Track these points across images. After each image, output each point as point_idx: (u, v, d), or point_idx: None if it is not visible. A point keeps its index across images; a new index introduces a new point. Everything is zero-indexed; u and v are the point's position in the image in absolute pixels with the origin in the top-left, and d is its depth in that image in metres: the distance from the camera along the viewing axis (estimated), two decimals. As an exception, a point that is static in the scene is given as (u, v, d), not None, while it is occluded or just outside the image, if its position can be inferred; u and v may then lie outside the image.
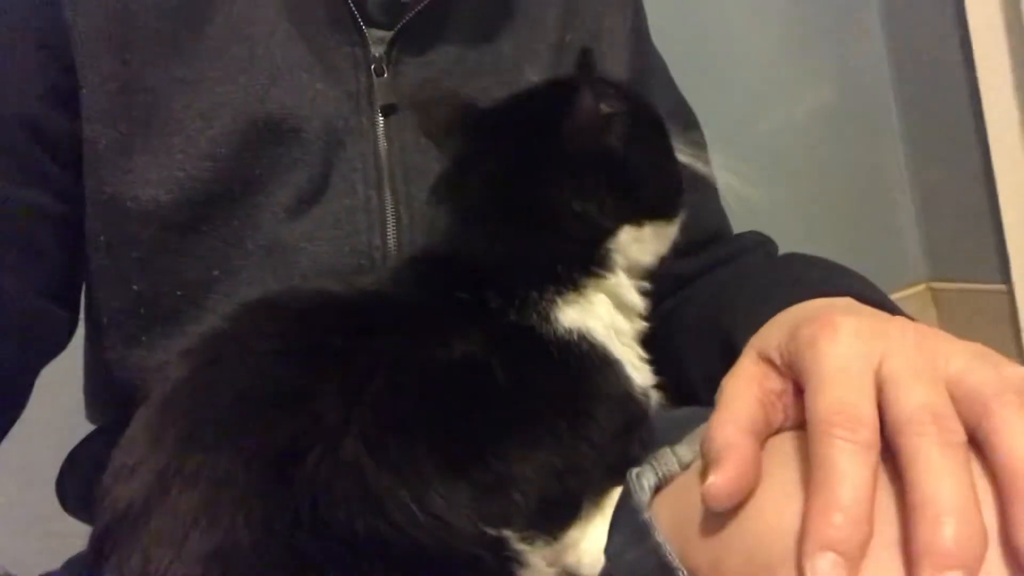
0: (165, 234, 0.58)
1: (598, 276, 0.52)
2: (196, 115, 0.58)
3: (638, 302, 0.54)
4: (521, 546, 0.44)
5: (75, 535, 0.65)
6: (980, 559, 0.27)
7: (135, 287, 0.59)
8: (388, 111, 0.63)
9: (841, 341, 0.34)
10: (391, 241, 0.62)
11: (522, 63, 0.67)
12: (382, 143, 0.62)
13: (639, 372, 0.52)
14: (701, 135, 0.77)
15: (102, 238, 0.59)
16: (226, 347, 0.45)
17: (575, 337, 0.48)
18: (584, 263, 0.51)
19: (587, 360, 0.48)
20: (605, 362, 0.49)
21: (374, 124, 0.62)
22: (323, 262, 0.60)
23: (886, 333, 0.34)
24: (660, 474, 0.44)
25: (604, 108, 0.51)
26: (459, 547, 0.41)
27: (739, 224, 0.75)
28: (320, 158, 0.60)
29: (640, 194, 0.52)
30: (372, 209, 0.62)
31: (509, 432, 0.45)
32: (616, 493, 0.48)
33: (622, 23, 0.73)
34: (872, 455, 0.30)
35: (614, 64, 0.71)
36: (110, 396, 0.66)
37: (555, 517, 0.47)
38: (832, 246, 1.59)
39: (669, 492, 0.41)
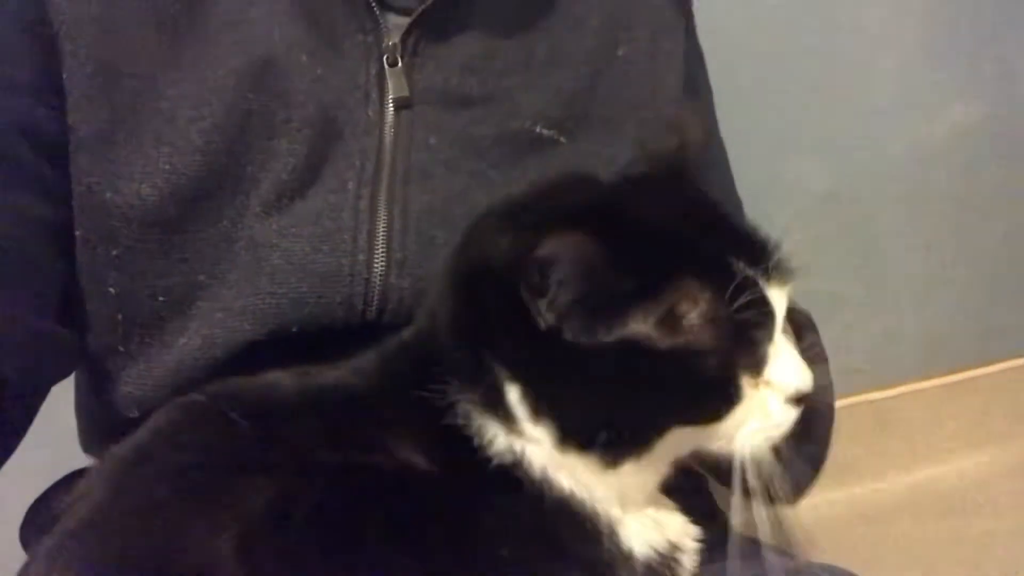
0: (146, 232, 0.56)
1: None
2: (186, 104, 0.56)
3: None
4: None
5: None
6: None
7: (111, 289, 0.57)
8: (401, 104, 0.60)
9: None
10: (380, 246, 0.58)
11: (553, 66, 0.64)
12: (388, 138, 0.60)
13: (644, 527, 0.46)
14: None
15: (79, 232, 0.56)
16: (143, 464, 0.43)
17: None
18: None
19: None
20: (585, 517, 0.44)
21: (382, 118, 0.60)
22: (296, 262, 0.56)
23: None
24: None
25: (546, 315, 0.41)
26: None
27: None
28: (308, 148, 0.57)
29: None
30: (361, 208, 0.58)
31: None
32: None
33: (677, 46, 0.69)
34: None
35: (668, 88, 0.68)
36: (93, 414, 0.63)
37: None
38: (969, 293, 1.37)
39: None
